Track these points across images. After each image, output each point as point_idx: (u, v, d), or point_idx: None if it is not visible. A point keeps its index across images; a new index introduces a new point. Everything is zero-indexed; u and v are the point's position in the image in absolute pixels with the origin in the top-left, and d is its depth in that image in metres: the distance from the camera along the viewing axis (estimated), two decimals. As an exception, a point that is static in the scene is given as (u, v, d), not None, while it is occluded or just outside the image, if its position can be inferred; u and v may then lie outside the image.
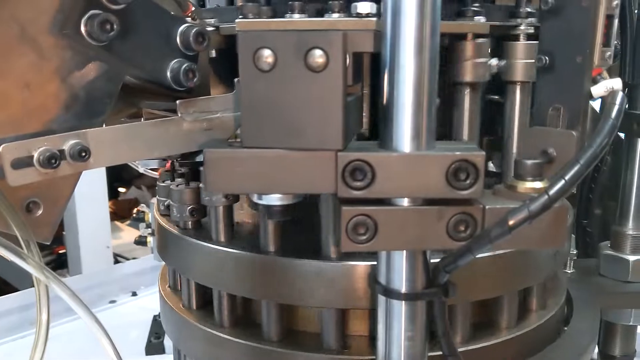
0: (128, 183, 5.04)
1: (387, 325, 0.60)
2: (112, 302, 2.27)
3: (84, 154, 0.63)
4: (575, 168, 0.52)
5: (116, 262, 3.23)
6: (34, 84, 0.62)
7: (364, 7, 0.62)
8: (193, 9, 0.73)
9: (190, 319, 0.87)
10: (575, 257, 1.17)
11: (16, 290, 2.51)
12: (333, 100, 0.54)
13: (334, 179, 0.55)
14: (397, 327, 0.60)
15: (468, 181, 0.55)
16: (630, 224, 1.14)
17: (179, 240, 0.87)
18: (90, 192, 3.00)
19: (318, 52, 0.53)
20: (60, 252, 3.56)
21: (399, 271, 0.59)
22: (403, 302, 0.60)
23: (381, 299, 0.61)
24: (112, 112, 0.72)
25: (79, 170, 0.63)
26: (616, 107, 0.55)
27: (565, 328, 0.98)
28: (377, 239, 0.56)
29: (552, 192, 0.52)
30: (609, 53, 0.59)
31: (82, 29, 0.61)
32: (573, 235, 1.24)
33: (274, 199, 0.58)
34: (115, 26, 0.62)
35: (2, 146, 0.59)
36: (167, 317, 0.95)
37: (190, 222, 0.86)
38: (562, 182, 0.52)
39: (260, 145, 0.56)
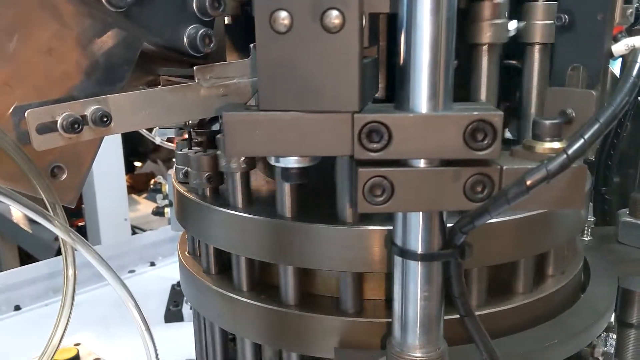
0: (144, 157, 5.10)
1: (404, 286, 0.62)
2: (132, 271, 2.33)
3: (105, 119, 0.64)
4: (595, 127, 0.52)
5: (134, 234, 3.29)
6: (56, 51, 0.63)
7: (378, -33, 0.61)
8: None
9: (210, 283, 0.90)
10: (594, 225, 1.16)
11: (37, 261, 2.58)
12: (349, 61, 0.54)
13: (351, 141, 0.56)
14: (414, 287, 0.61)
15: (486, 141, 0.55)
16: (650, 190, 1.13)
17: (198, 206, 0.88)
18: (108, 166, 3.05)
19: (334, 13, 0.53)
20: (80, 224, 3.63)
21: (415, 232, 0.60)
22: (419, 262, 0.61)
23: (397, 260, 0.61)
24: (131, 79, 0.73)
25: (101, 135, 0.65)
26: (637, 65, 0.54)
27: (582, 295, 0.98)
28: (394, 200, 0.56)
29: (570, 151, 0.52)
30: (631, 10, 0.57)
31: (101, -6, 0.62)
32: (591, 203, 1.24)
33: (291, 162, 0.59)
34: (132, -9, 0.62)
35: (27, 112, 0.60)
36: (187, 282, 0.97)
37: (207, 189, 0.87)
38: (581, 141, 0.52)
39: (277, 108, 0.56)
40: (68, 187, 0.66)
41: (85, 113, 0.63)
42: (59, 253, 3.50)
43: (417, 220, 0.60)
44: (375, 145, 0.56)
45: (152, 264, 2.37)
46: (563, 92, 0.60)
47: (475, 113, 0.54)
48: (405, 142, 0.55)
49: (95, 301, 2.04)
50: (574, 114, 0.59)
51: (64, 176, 0.66)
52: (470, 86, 0.75)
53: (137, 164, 5.05)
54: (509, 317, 0.82)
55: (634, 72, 0.54)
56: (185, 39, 0.69)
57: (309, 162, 0.60)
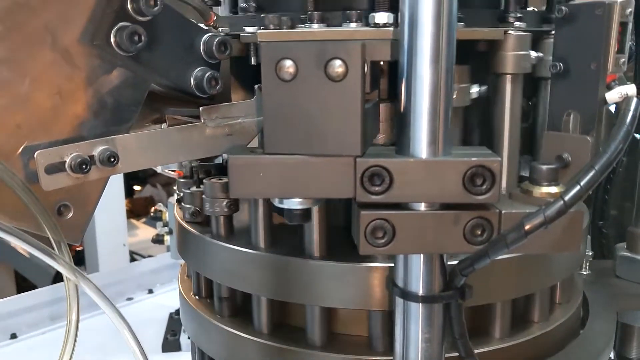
0: (143, 181, 5.11)
1: (405, 327, 0.62)
2: (129, 299, 2.32)
3: (112, 159, 0.65)
4: (591, 174, 0.53)
5: (132, 259, 3.29)
6: (65, 91, 0.65)
7: (381, 18, 0.63)
8: (215, 17, 0.75)
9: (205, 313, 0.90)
10: (592, 259, 1.17)
11: (34, 287, 2.57)
12: (352, 108, 0.56)
13: (353, 184, 0.57)
14: (415, 329, 0.62)
15: (484, 186, 0.56)
16: (647, 225, 1.14)
17: (190, 236, 0.89)
18: (108, 191, 3.04)
19: (338, 62, 0.55)
20: (78, 249, 3.62)
21: (417, 274, 0.61)
22: (420, 304, 0.61)
23: (399, 301, 0.62)
24: (138, 118, 0.75)
25: (108, 174, 0.66)
26: (630, 113, 0.56)
27: (582, 330, 0.99)
28: (395, 243, 0.58)
29: (567, 197, 0.53)
30: (623, 59, 0.60)
31: (112, 39, 0.64)
32: (589, 236, 1.25)
33: (295, 203, 0.60)
34: (143, 37, 0.64)
35: (37, 152, 0.61)
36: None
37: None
38: (578, 187, 0.53)
39: (281, 152, 0.58)
40: (74, 225, 0.67)
41: (93, 153, 0.65)
42: (56, 279, 3.47)
43: (418, 262, 0.61)
44: (377, 189, 0.57)
45: (150, 292, 2.36)
46: (559, 137, 0.62)
47: (474, 159, 0.56)
48: (406, 186, 0.57)
49: (94, 329, 2.03)
50: (570, 159, 0.61)
51: (70, 215, 0.67)
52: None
53: (137, 187, 5.06)
54: (519, 350, 0.83)
55: (628, 120, 0.56)
56: (192, 81, 0.71)
57: (312, 204, 0.61)
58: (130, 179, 4.67)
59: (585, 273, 1.17)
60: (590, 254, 1.17)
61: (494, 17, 0.78)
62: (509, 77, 0.70)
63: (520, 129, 0.72)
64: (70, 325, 0.67)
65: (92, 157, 0.64)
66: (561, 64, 0.61)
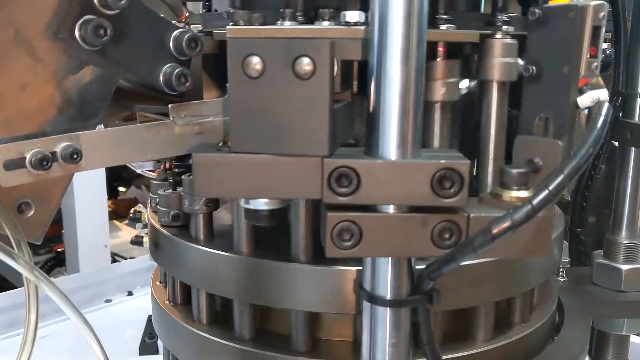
0: (128, 182, 5.06)
1: (372, 331, 0.61)
2: (108, 301, 2.28)
3: (75, 156, 0.63)
4: (559, 178, 0.53)
5: (114, 261, 3.24)
6: (30, 86, 0.63)
7: (352, 16, 0.62)
8: (187, 14, 0.74)
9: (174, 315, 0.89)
10: (568, 265, 1.17)
11: (14, 287, 2.51)
12: (320, 107, 0.55)
13: (320, 184, 0.56)
14: (382, 333, 0.61)
15: (453, 189, 0.55)
16: (624, 233, 1.15)
17: (167, 239, 0.87)
18: (90, 191, 3.01)
19: (305, 60, 0.54)
20: (59, 250, 3.57)
21: (384, 278, 0.60)
22: (388, 308, 0.60)
23: (366, 305, 0.61)
24: (107, 115, 0.73)
25: (71, 172, 0.64)
26: (601, 118, 0.56)
27: (556, 337, 0.98)
28: (362, 245, 0.56)
29: (535, 201, 0.52)
30: (596, 64, 0.59)
31: (77, 33, 0.62)
32: (566, 243, 1.25)
33: (261, 204, 0.59)
34: (108, 31, 0.62)
35: (-5, 147, 0.59)
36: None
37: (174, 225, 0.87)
38: (546, 192, 0.52)
39: (248, 151, 0.57)
40: (35, 223, 0.65)
41: (56, 149, 0.63)
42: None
43: (385, 266, 0.60)
44: (344, 190, 0.56)
45: (130, 294, 2.32)
46: (531, 141, 0.61)
47: (443, 161, 0.55)
48: (373, 188, 0.56)
49: (65, 332, 1.99)
50: (541, 163, 0.60)
51: (32, 212, 0.65)
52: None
53: (121, 189, 5.00)
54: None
55: (598, 125, 0.56)
56: (161, 77, 0.69)
57: (279, 205, 0.60)
58: (115, 180, 4.62)
59: (562, 280, 1.17)
60: (567, 260, 1.17)
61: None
62: (495, 84, 0.70)
63: (506, 134, 0.72)
64: (28, 326, 0.65)
65: (54, 153, 0.62)
66: (534, 68, 0.61)
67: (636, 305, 1.12)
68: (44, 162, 0.61)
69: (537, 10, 0.60)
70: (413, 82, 0.56)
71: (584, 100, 0.58)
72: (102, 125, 0.73)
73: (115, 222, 4.14)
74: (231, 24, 0.64)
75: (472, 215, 0.56)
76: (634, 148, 1.09)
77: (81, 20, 0.62)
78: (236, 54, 0.55)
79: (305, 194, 0.57)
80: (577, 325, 1.01)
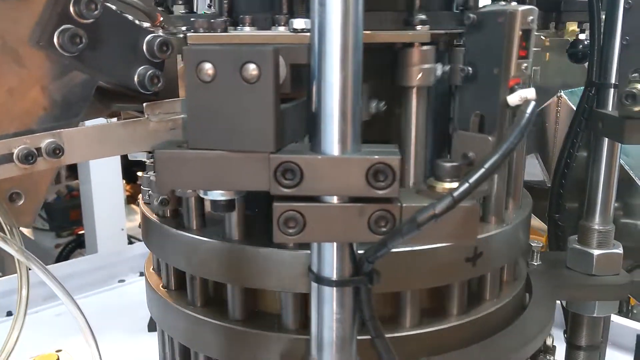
0: (145, 168, 5.17)
1: (319, 309, 0.68)
2: (121, 281, 2.40)
3: (57, 151, 0.71)
4: (480, 172, 0.58)
5: (130, 242, 3.37)
6: (16, 90, 0.70)
7: (298, 24, 0.68)
8: (162, 18, 0.80)
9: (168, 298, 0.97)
10: (541, 250, 1.22)
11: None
12: (266, 108, 0.61)
13: (268, 177, 0.62)
14: (328, 311, 0.67)
15: (385, 182, 0.61)
16: (597, 219, 1.19)
17: (157, 227, 0.95)
18: (106, 177, 3.14)
19: (252, 66, 0.60)
20: (80, 232, 3.72)
21: (329, 261, 0.66)
22: (333, 288, 0.67)
23: (314, 285, 0.68)
24: (91, 112, 0.80)
25: (54, 166, 0.72)
26: (526, 116, 0.60)
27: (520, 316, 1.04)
28: (305, 232, 0.63)
29: (455, 194, 0.58)
30: (526, 64, 0.64)
31: (55, 41, 0.69)
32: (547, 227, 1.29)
33: (217, 195, 0.66)
34: (83, 39, 0.69)
35: (-15, 145, 0.67)
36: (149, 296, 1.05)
37: (164, 211, 0.94)
38: (466, 185, 0.58)
39: (203, 147, 0.63)
40: (25, 211, 0.73)
41: (40, 145, 0.70)
42: (58, 259, 3.56)
43: (330, 250, 0.66)
44: (289, 182, 0.62)
45: (142, 274, 2.44)
46: (466, 137, 0.66)
47: (376, 157, 0.61)
48: (315, 181, 0.62)
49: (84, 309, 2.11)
50: (474, 157, 0.65)
51: (22, 201, 0.73)
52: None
53: (139, 173, 5.13)
54: (443, 336, 0.89)
55: (522, 122, 0.61)
56: (135, 79, 0.76)
57: (234, 195, 0.66)
58: (133, 165, 4.75)
59: (535, 263, 1.22)
60: (540, 245, 1.22)
61: (452, 18, 0.83)
62: (414, 89, 0.75)
63: (425, 134, 0.77)
64: (20, 302, 0.73)
65: (39, 149, 0.70)
66: (469, 68, 0.66)
67: (605, 289, 1.16)
68: (29, 157, 0.69)
69: (471, 15, 0.65)
70: (350, 85, 0.61)
71: (513, 99, 0.63)
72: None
73: (133, 206, 4.28)
74: (192, 31, 0.70)
75: (404, 205, 0.62)
76: (606, 138, 1.13)
77: (59, 30, 0.69)
78: (191, 60, 0.61)
79: (254, 186, 0.63)
80: (541, 306, 1.06)
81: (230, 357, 0.89)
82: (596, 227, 1.18)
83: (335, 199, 0.64)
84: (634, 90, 0.93)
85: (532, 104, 0.62)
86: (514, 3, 0.65)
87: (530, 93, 0.63)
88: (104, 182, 3.11)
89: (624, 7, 0.96)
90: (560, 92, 1.30)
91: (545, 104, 1.34)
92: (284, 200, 0.63)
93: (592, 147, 1.17)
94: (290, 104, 0.67)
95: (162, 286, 1.01)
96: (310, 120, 0.64)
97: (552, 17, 1.28)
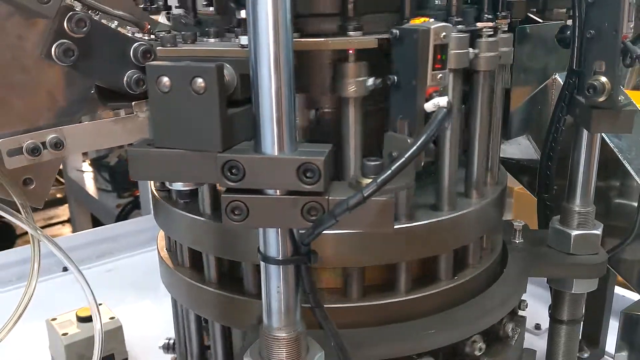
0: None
1: (267, 283, 0.80)
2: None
3: (59, 145, 0.86)
4: (387, 174, 0.67)
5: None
6: (25, 95, 0.85)
7: (244, 40, 0.78)
8: (149, 26, 0.92)
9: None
10: (521, 228, 1.28)
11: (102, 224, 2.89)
12: (213, 115, 0.72)
13: (216, 173, 0.74)
14: (274, 284, 0.80)
15: (312, 179, 0.71)
16: (577, 201, 1.23)
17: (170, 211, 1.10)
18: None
19: (199, 80, 0.71)
20: (136, 195, 4.03)
21: (273, 243, 0.78)
22: (278, 266, 0.79)
23: (262, 264, 0.80)
24: (91, 109, 0.95)
25: (57, 157, 0.87)
26: (435, 122, 0.68)
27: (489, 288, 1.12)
28: (249, 219, 0.75)
29: (365, 191, 0.67)
30: (441, 75, 0.71)
31: (53, 54, 0.83)
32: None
33: (179, 185, 0.78)
34: (75, 52, 0.83)
35: (0, 141, 0.83)
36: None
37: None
38: (374, 184, 0.67)
39: (166, 146, 0.76)
40: (36, 193, 0.90)
41: (45, 140, 0.85)
42: (117, 219, 3.88)
43: (274, 234, 0.78)
44: (234, 177, 0.74)
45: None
46: (392, 137, 0.75)
47: (304, 157, 0.71)
48: (255, 176, 0.73)
49: (128, 267, 2.35)
50: (397, 156, 0.74)
51: (33, 185, 0.89)
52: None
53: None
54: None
55: (430, 128, 0.68)
56: (124, 81, 0.89)
57: (193, 186, 0.79)
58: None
59: (517, 241, 1.28)
60: (521, 224, 1.28)
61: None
62: (350, 100, 0.83)
63: (363, 134, 0.86)
64: (33, 269, 0.90)
65: (43, 143, 0.85)
66: (395, 77, 0.74)
67: (580, 267, 1.21)
68: (35, 150, 0.84)
69: (394, 31, 0.72)
70: (284, 93, 0.71)
71: (428, 106, 0.71)
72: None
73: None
74: (160, 46, 0.82)
75: (330, 197, 0.72)
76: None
77: (55, 44, 0.82)
78: (151, 74, 0.73)
79: (207, 180, 0.75)
80: (510, 280, 1.14)
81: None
82: (577, 208, 1.22)
83: (272, 192, 0.75)
84: (595, 83, 0.96)
85: (443, 111, 0.70)
86: (432, 20, 0.72)
87: (442, 101, 0.71)
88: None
89: (587, 1, 0.98)
90: (555, 74, 1.32)
91: (542, 85, 1.36)
92: (231, 192, 0.75)
93: (573, 133, 1.20)
94: (240, 109, 0.78)
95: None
96: (252, 124, 0.74)
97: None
